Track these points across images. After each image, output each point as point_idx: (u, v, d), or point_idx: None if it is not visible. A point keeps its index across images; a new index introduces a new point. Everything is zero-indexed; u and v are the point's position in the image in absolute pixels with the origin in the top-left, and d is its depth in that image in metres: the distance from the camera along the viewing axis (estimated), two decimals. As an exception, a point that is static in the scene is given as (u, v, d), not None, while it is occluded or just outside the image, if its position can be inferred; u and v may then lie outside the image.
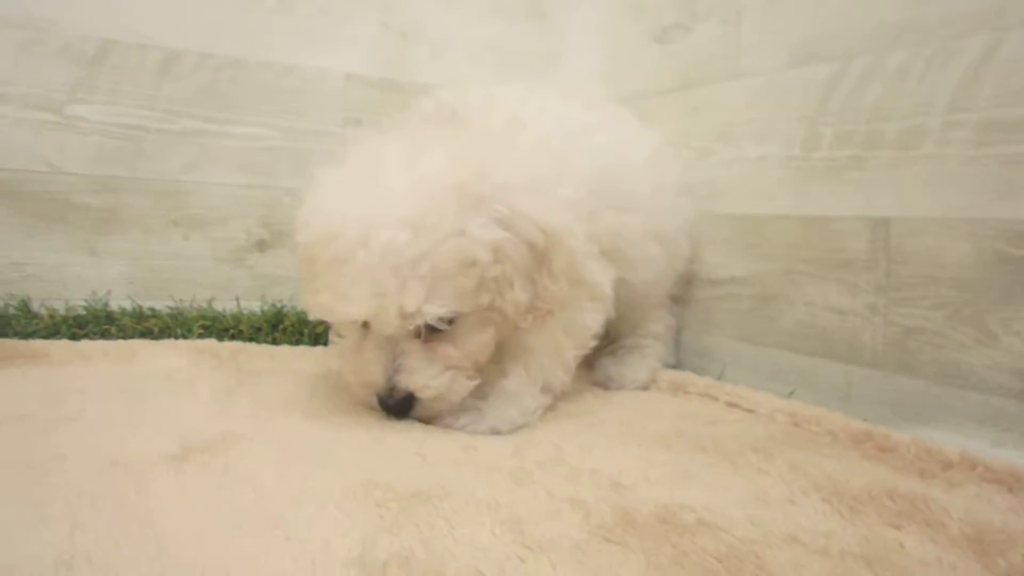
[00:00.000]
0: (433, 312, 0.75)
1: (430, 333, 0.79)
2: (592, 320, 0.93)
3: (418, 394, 0.79)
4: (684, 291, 1.22)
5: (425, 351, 0.79)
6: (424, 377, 0.79)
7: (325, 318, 0.81)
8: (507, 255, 0.77)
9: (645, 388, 1.07)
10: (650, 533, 0.55)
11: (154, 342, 1.07)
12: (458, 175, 0.76)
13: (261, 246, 1.30)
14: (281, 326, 1.23)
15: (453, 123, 0.91)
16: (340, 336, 0.85)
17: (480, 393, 0.85)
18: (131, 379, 0.91)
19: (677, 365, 1.19)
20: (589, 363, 1.07)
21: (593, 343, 0.96)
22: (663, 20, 1.31)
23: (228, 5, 1.23)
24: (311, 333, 1.24)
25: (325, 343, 1.22)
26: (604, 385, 1.07)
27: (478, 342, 0.81)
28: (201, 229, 1.25)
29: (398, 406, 0.80)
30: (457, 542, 0.52)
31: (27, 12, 1.11)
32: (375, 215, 0.74)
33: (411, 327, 0.76)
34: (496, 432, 0.82)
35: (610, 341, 1.14)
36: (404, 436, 0.77)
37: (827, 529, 0.57)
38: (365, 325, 0.80)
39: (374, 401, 0.81)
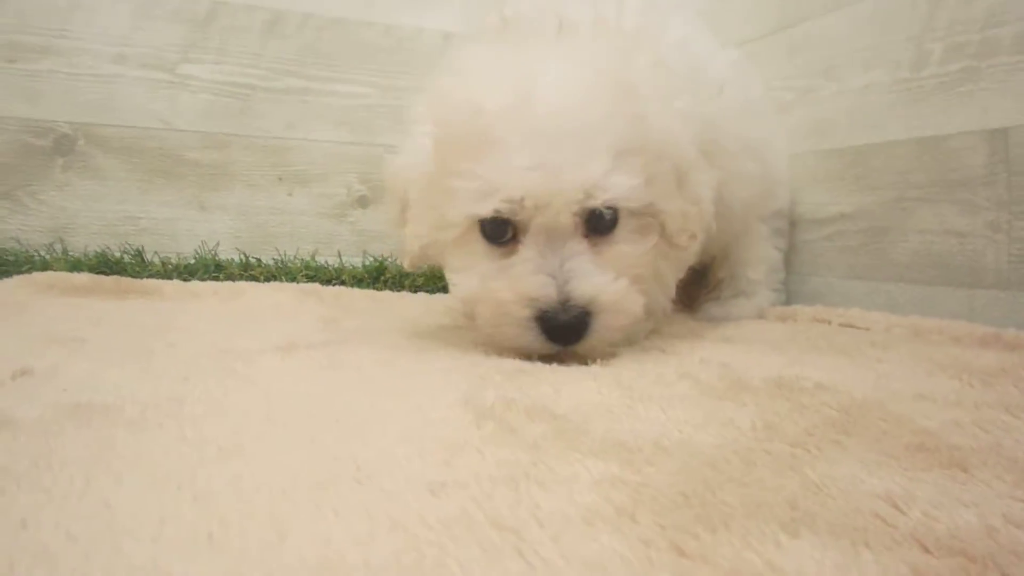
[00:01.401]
0: (623, 185, 0.64)
1: (594, 235, 0.67)
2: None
3: (599, 299, 0.64)
4: (791, 234, 1.17)
5: (594, 254, 0.67)
6: (602, 281, 0.65)
7: (476, 209, 0.65)
8: (671, 155, 0.69)
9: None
10: (765, 393, 0.51)
11: (260, 284, 1.10)
12: (620, 73, 0.68)
13: (362, 202, 1.32)
14: (382, 278, 1.24)
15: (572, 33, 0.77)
16: (465, 262, 0.70)
17: None
18: (240, 310, 0.93)
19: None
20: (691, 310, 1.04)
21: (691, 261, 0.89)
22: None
23: (330, -35, 1.27)
24: (412, 285, 1.24)
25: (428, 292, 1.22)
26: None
27: (643, 251, 0.70)
28: (304, 185, 1.28)
29: (574, 324, 0.64)
30: (562, 396, 0.50)
31: (144, -27, 1.16)
32: (539, 87, 0.64)
33: (587, 211, 0.65)
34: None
35: (712, 287, 1.10)
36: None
37: (958, 392, 0.52)
38: (509, 231, 0.67)
39: (533, 332, 0.64)
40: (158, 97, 1.18)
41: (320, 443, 0.39)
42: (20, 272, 1.05)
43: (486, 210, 0.64)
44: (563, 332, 0.63)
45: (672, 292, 0.88)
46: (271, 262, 1.21)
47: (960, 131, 0.92)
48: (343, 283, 1.21)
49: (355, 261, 1.28)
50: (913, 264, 0.98)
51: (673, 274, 0.86)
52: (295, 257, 1.24)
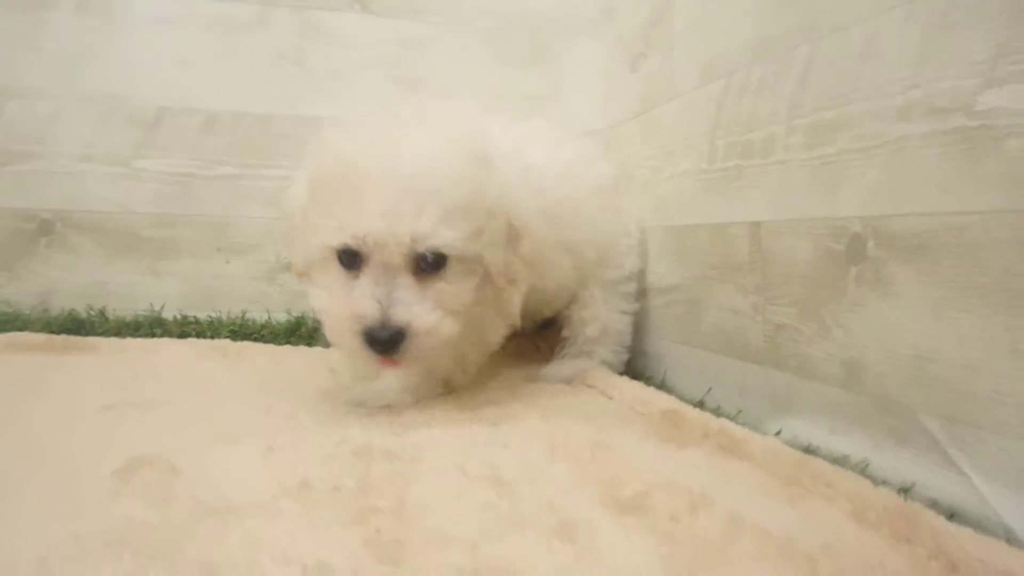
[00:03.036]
0: (446, 236, 0.82)
1: (422, 273, 0.85)
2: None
3: (412, 324, 0.82)
4: (644, 300, 1.32)
5: (419, 288, 0.84)
6: (419, 310, 0.83)
7: (331, 241, 0.83)
8: (502, 215, 0.89)
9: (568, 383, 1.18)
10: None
11: (179, 340, 1.34)
12: (472, 144, 0.87)
13: (288, 267, 1.55)
14: (297, 332, 1.47)
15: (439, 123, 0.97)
16: (324, 280, 0.89)
17: None
18: (146, 365, 1.17)
19: (630, 365, 1.30)
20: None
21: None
22: (634, 49, 1.43)
23: (259, 72, 1.52)
24: (323, 340, 1.46)
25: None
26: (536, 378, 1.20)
27: (466, 289, 0.88)
28: (240, 254, 1.53)
29: (390, 340, 0.81)
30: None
31: (101, 89, 1.45)
32: (395, 151, 0.82)
33: (415, 253, 0.83)
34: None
35: (560, 345, 1.27)
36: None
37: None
38: (358, 261, 0.84)
39: (359, 342, 0.82)
40: (117, 187, 1.46)
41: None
42: (12, 327, 1.34)
43: (338, 242, 0.83)
44: (382, 345, 0.82)
45: (493, 344, 1.06)
46: (208, 318, 1.47)
47: (733, 221, 1.06)
48: (264, 337, 1.44)
49: (281, 317, 1.52)
50: (711, 334, 1.12)
51: (497, 323, 1.04)
52: (227, 315, 1.49)
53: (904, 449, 0.74)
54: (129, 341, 1.31)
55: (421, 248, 0.82)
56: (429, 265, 0.85)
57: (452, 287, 0.86)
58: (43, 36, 1.43)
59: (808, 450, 0.85)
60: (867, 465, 0.78)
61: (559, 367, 1.22)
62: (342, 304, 0.84)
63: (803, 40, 0.89)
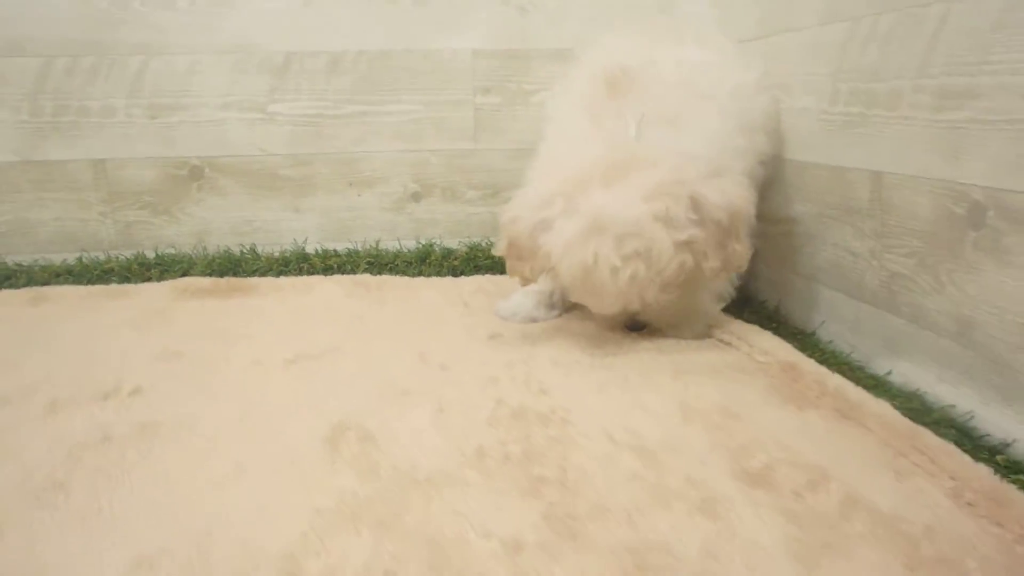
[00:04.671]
0: (664, 299, 1.04)
1: None
2: None
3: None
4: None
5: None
6: (658, 318, 1.12)
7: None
8: (700, 241, 1.01)
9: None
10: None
11: (327, 277, 1.49)
12: (659, 203, 0.98)
13: (416, 197, 1.66)
14: (427, 260, 1.59)
15: (627, 90, 1.12)
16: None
17: None
18: (303, 305, 1.32)
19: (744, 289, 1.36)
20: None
21: None
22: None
23: (373, 10, 1.58)
24: (449, 266, 1.58)
25: (463, 274, 1.56)
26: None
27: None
28: (370, 187, 1.64)
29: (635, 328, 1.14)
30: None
31: (233, 41, 1.55)
32: (615, 253, 0.97)
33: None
34: None
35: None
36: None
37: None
38: None
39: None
40: (255, 132, 1.58)
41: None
42: (179, 267, 1.52)
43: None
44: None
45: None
46: (345, 250, 1.61)
47: (854, 167, 1.06)
48: (397, 266, 1.58)
49: (411, 245, 1.64)
50: (827, 270, 1.15)
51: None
52: (362, 246, 1.63)
53: (1008, 407, 0.80)
54: (284, 280, 1.47)
55: None
56: None
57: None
58: (178, -9, 1.53)
59: (916, 395, 0.93)
60: (972, 417, 0.85)
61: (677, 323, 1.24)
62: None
63: (937, -1, 0.89)
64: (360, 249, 1.62)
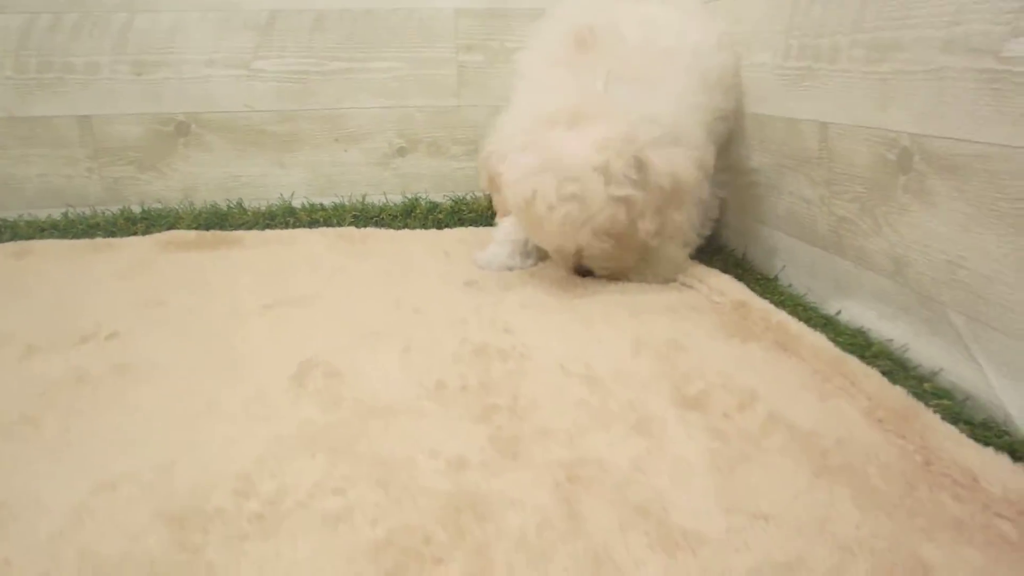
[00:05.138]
0: (596, 246, 1.10)
1: None
2: None
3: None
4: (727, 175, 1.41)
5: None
6: (596, 262, 1.17)
7: None
8: (634, 202, 1.07)
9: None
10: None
11: (311, 230, 1.53)
12: (603, 156, 1.04)
13: (401, 152, 1.70)
14: (413, 213, 1.64)
15: (594, 48, 1.17)
16: None
17: None
18: (286, 257, 1.37)
19: (713, 239, 1.41)
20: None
21: None
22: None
23: (357, -33, 1.61)
24: (434, 219, 1.63)
25: (447, 226, 1.61)
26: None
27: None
28: (356, 142, 1.69)
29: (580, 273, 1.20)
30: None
31: (218, -1, 1.58)
32: (554, 192, 1.04)
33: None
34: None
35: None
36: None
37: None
38: None
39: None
40: (240, 88, 1.62)
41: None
42: (166, 221, 1.56)
43: None
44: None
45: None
46: (332, 204, 1.65)
47: (805, 118, 1.11)
48: (383, 220, 1.62)
49: (397, 199, 1.69)
50: (785, 218, 1.20)
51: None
52: (350, 198, 1.67)
53: (936, 338, 0.86)
54: (269, 233, 1.52)
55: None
56: None
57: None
58: (160, -51, 1.55)
59: (860, 332, 0.98)
60: (907, 350, 0.91)
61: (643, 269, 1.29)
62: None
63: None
64: (346, 203, 1.67)
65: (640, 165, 1.06)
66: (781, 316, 0.95)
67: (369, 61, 1.65)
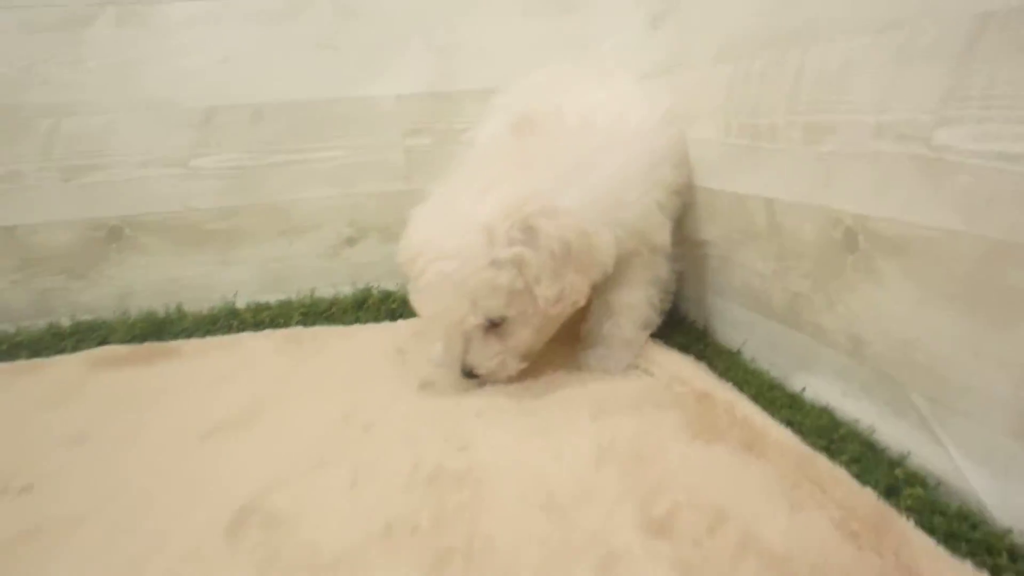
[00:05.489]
0: (472, 321, 1.02)
1: (490, 327, 1.05)
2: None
3: (476, 371, 1.09)
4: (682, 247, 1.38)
5: (485, 339, 1.07)
6: (480, 359, 1.08)
7: None
8: (528, 264, 1.01)
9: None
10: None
11: (256, 333, 1.47)
12: (490, 215, 1.00)
13: (351, 241, 1.66)
14: (365, 305, 1.58)
15: (530, 134, 1.15)
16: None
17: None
18: (227, 367, 1.30)
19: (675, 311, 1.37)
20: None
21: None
22: (653, 8, 1.42)
23: (297, 59, 1.57)
24: (387, 309, 1.58)
25: (402, 316, 1.55)
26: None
27: (522, 336, 1.07)
28: (302, 234, 1.64)
29: (467, 375, 1.10)
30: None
31: (150, 97, 1.53)
32: (433, 249, 1.01)
33: (470, 325, 1.04)
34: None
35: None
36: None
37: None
38: None
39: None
40: (178, 187, 1.56)
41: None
42: (97, 335, 1.48)
43: None
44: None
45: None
46: (277, 302, 1.59)
47: (751, 194, 1.09)
48: (334, 315, 1.56)
49: (347, 291, 1.63)
50: (742, 290, 1.18)
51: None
52: (298, 293, 1.62)
53: (901, 420, 0.83)
54: (209, 341, 1.44)
55: (467, 325, 1.05)
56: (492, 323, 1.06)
57: (510, 337, 1.07)
58: (86, 52, 1.50)
59: (826, 412, 0.95)
60: (874, 431, 0.88)
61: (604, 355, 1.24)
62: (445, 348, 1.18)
63: (796, 44, 0.93)
64: (294, 299, 1.61)
65: (527, 228, 1.00)
66: (746, 408, 0.91)
67: (312, 151, 1.61)
